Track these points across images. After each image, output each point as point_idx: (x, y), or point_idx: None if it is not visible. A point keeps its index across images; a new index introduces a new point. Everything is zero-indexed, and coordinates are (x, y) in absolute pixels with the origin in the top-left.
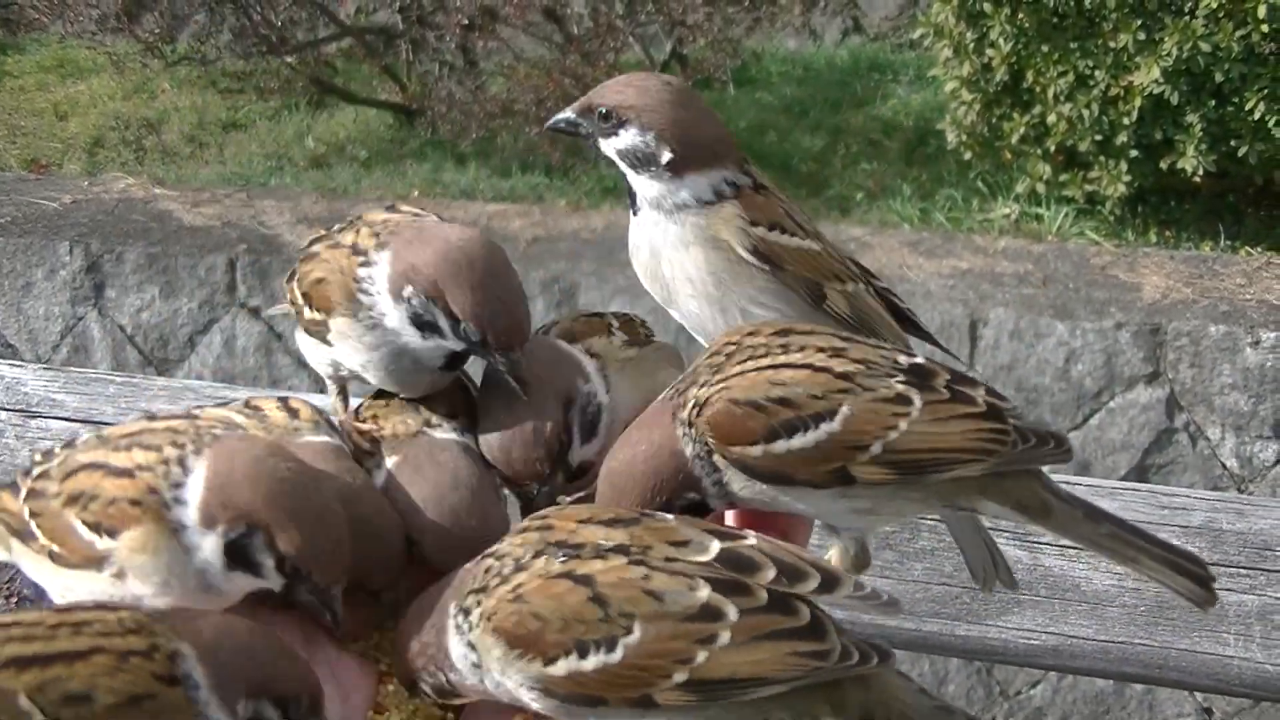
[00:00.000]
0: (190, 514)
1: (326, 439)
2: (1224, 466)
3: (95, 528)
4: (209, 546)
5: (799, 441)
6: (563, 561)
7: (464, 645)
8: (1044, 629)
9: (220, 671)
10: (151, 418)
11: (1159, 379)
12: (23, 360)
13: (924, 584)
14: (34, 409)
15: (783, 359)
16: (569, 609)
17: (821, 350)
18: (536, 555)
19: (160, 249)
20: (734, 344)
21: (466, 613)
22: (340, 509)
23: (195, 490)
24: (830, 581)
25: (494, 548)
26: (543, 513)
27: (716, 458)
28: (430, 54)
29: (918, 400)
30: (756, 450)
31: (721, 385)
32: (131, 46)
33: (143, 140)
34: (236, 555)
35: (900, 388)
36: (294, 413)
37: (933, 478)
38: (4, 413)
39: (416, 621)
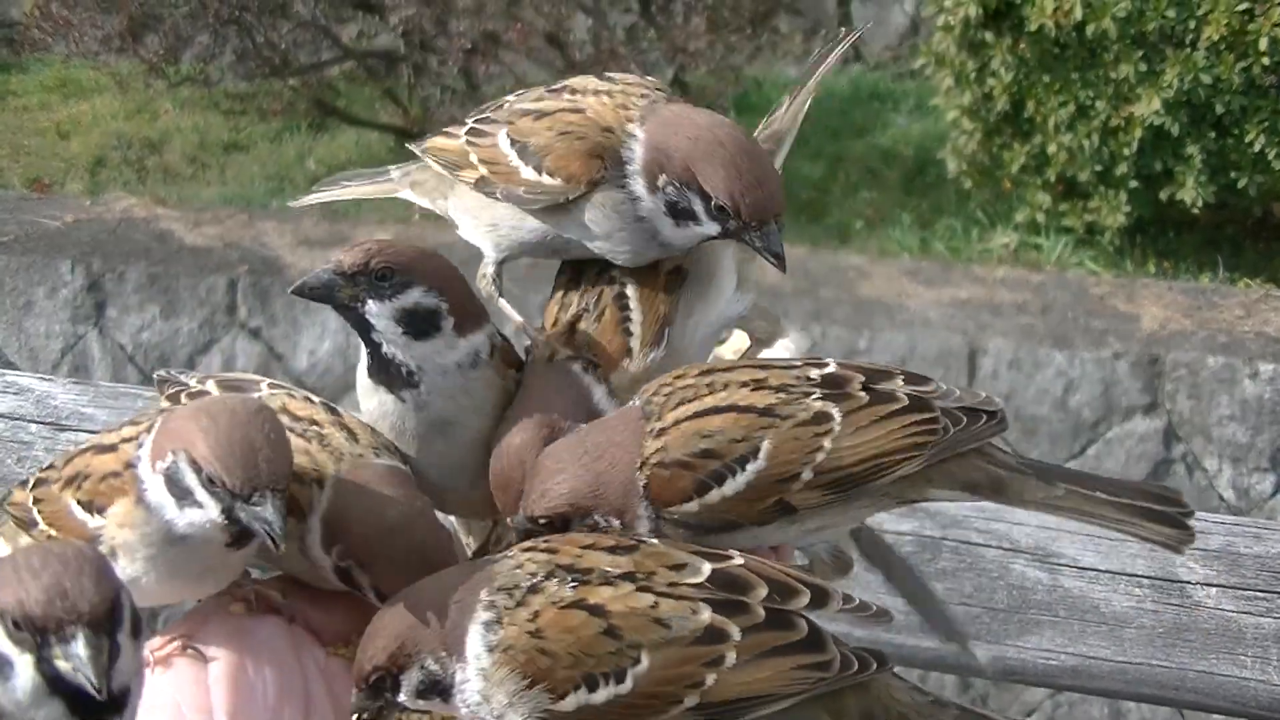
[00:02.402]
0: (145, 465)
1: (389, 462)
2: (1221, 498)
3: (88, 506)
4: (156, 488)
5: (730, 487)
6: (573, 588)
7: (483, 646)
8: (1063, 649)
9: None
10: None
11: (1157, 409)
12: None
13: (943, 604)
14: (64, 422)
15: (709, 401)
16: (582, 643)
17: (744, 385)
18: (548, 577)
19: (161, 269)
20: (669, 386)
21: (495, 609)
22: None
23: (148, 442)
24: (820, 597)
25: (506, 552)
26: (545, 536)
27: (661, 517)
28: (432, 78)
29: (837, 414)
30: (692, 506)
31: (659, 445)
32: (135, 67)
33: (145, 160)
34: (174, 486)
35: (818, 405)
36: (353, 435)
37: (873, 485)
38: (34, 425)
39: (429, 597)
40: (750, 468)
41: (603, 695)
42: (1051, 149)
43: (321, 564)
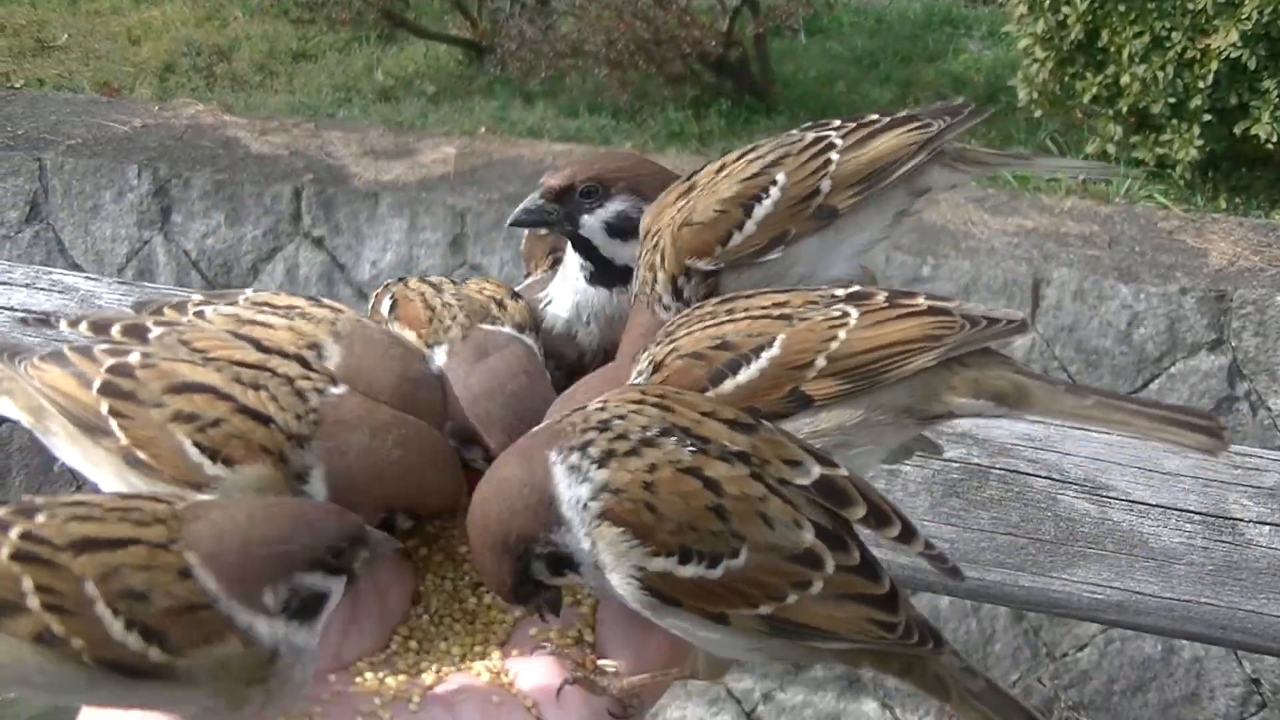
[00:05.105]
0: (320, 491)
1: (384, 328)
2: None
3: (212, 455)
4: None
5: (745, 376)
6: (692, 453)
7: (580, 486)
8: (1109, 584)
9: (230, 574)
10: (257, 321)
11: (1222, 346)
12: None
13: (989, 533)
14: None
15: (725, 320)
16: (692, 513)
17: (764, 307)
18: (664, 434)
19: (227, 175)
20: (685, 317)
21: (584, 451)
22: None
23: (320, 479)
24: (909, 533)
25: (596, 401)
26: (658, 388)
27: None
28: None
29: (855, 312)
30: (707, 395)
31: (670, 346)
32: None
33: (213, 67)
34: None
35: (837, 310)
36: (337, 309)
37: (889, 378)
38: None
39: (507, 480)
40: (765, 355)
41: (690, 572)
42: (1125, 80)
43: None
